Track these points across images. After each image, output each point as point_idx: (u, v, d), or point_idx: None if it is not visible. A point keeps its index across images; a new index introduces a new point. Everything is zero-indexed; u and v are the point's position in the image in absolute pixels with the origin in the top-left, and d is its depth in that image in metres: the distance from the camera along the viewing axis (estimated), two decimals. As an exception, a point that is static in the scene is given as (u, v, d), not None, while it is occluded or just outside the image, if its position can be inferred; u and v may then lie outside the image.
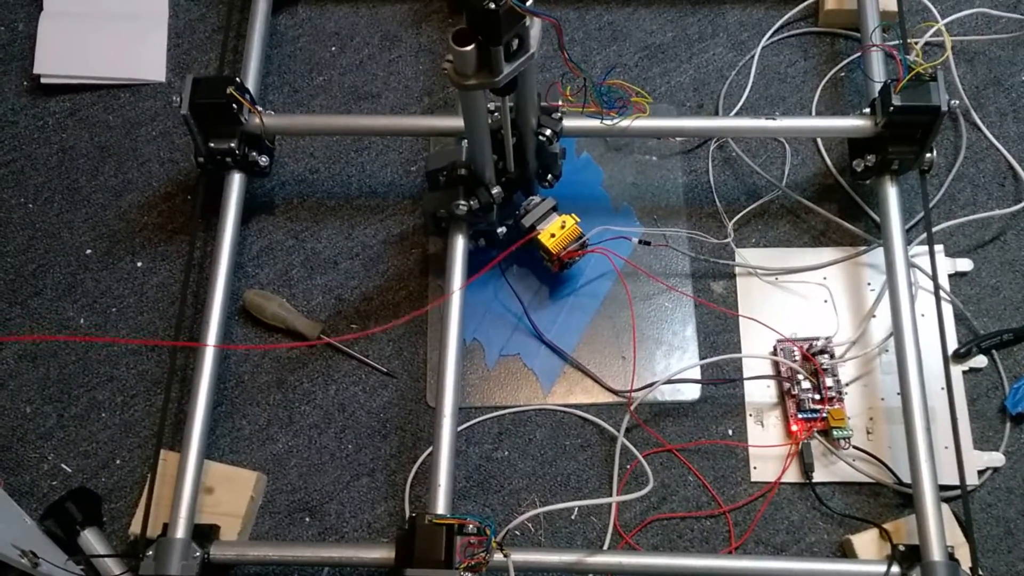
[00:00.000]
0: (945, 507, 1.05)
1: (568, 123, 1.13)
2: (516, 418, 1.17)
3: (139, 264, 1.26)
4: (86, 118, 1.35)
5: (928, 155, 1.13)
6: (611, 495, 1.12)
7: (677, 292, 1.21)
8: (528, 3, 0.83)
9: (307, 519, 1.13)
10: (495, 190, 1.11)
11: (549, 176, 1.18)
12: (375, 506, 1.13)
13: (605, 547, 1.09)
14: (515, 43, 0.87)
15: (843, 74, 1.33)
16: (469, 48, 0.85)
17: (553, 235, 1.14)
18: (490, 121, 1.04)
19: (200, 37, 1.40)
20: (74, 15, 1.39)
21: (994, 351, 1.16)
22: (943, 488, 1.05)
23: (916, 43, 1.27)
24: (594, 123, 1.14)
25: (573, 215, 1.15)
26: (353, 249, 1.26)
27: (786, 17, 1.35)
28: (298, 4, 1.41)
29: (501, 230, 1.17)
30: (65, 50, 1.37)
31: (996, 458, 1.12)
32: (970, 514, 1.04)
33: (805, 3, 1.35)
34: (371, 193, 1.29)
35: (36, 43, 1.37)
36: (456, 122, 1.16)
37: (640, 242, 1.20)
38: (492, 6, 0.81)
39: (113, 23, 1.39)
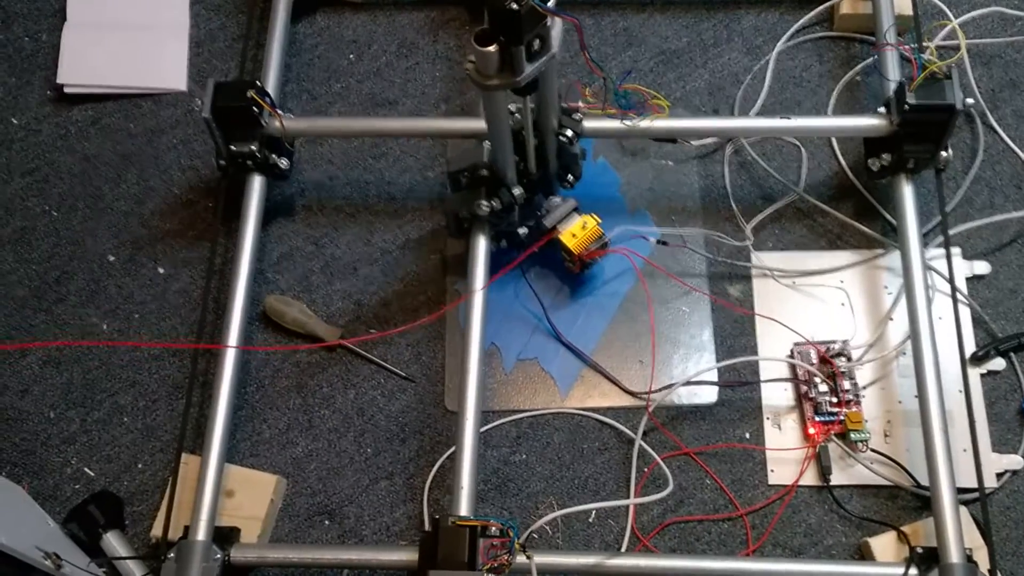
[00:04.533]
0: (963, 510, 1.04)
1: (588, 124, 1.13)
2: (534, 422, 1.17)
3: (161, 270, 1.28)
4: (108, 127, 1.37)
5: (944, 154, 1.13)
6: (629, 498, 1.12)
7: (697, 291, 1.21)
8: (549, 3, 0.84)
9: (326, 522, 1.14)
10: (517, 190, 1.12)
11: (570, 176, 1.18)
12: (394, 509, 1.14)
13: (623, 550, 1.10)
14: (536, 43, 0.88)
15: (859, 78, 1.33)
16: (491, 48, 0.86)
17: (574, 235, 1.14)
18: (511, 122, 1.05)
19: (220, 46, 1.41)
20: (97, 26, 1.41)
21: (1012, 354, 1.16)
22: (961, 491, 1.05)
23: (931, 44, 1.27)
24: (614, 124, 1.15)
25: (594, 215, 1.15)
26: (372, 255, 1.27)
27: (801, 22, 1.36)
28: (316, 13, 1.42)
29: (523, 231, 1.18)
30: (88, 60, 1.39)
31: (1015, 461, 1.11)
32: (988, 516, 1.04)
33: (820, 7, 1.35)
34: (389, 199, 1.30)
35: (60, 53, 1.39)
36: (474, 124, 1.18)
37: (658, 242, 1.21)
38: (514, 6, 0.82)
39: (135, 33, 1.41)
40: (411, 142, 1.33)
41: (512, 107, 1.05)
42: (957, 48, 1.25)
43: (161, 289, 1.26)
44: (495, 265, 1.16)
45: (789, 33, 1.35)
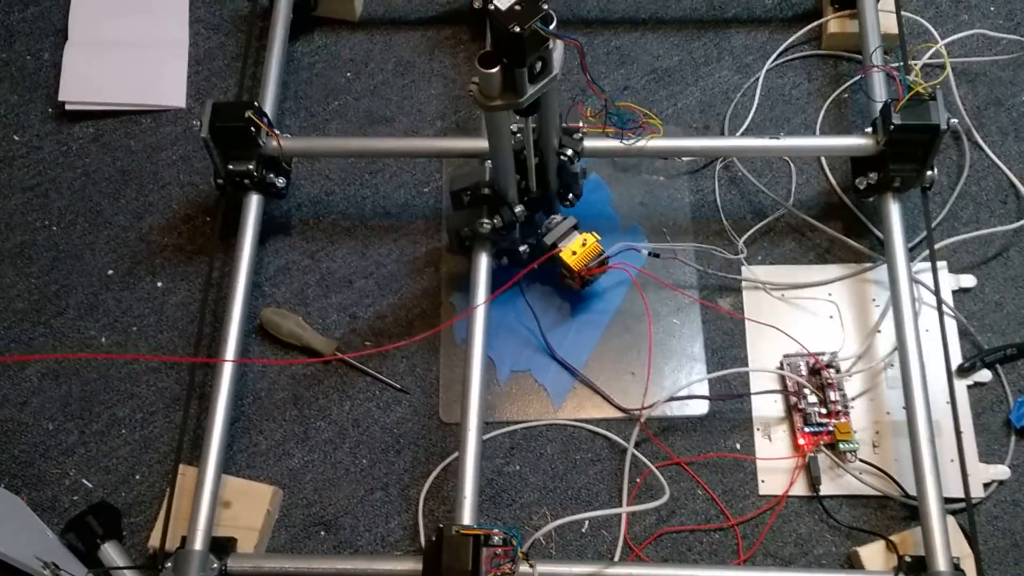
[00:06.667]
0: (951, 519, 1.05)
1: (589, 143, 1.15)
2: (527, 433, 1.19)
3: (159, 284, 1.29)
4: (109, 143, 1.39)
5: (929, 173, 1.15)
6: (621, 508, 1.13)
7: (690, 298, 1.23)
8: (551, 27, 0.87)
9: (322, 533, 1.15)
10: (518, 208, 1.13)
11: (570, 195, 1.20)
12: (389, 520, 1.15)
13: (616, 559, 1.11)
14: (538, 65, 0.91)
15: (846, 95, 1.36)
16: (495, 70, 0.88)
17: (575, 252, 1.16)
18: (513, 142, 1.07)
19: (219, 64, 1.44)
20: (98, 44, 1.43)
21: (998, 366, 1.18)
22: (949, 501, 1.06)
23: (916, 64, 1.30)
24: (614, 143, 1.17)
25: (594, 233, 1.17)
26: (367, 269, 1.29)
27: (790, 40, 1.38)
28: (314, 32, 1.45)
29: (523, 248, 1.19)
30: (89, 78, 1.41)
31: (1001, 471, 1.13)
32: (975, 525, 1.05)
33: (808, 27, 1.38)
34: (385, 214, 1.32)
35: (61, 71, 1.41)
36: (474, 144, 1.20)
37: (650, 254, 1.23)
38: (517, 29, 0.84)
39: (135, 51, 1.43)
40: (407, 159, 1.35)
41: (514, 127, 1.07)
42: (942, 67, 1.27)
43: (159, 303, 1.28)
44: (495, 281, 1.17)
45: (778, 52, 1.38)
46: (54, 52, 1.44)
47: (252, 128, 1.17)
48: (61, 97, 1.40)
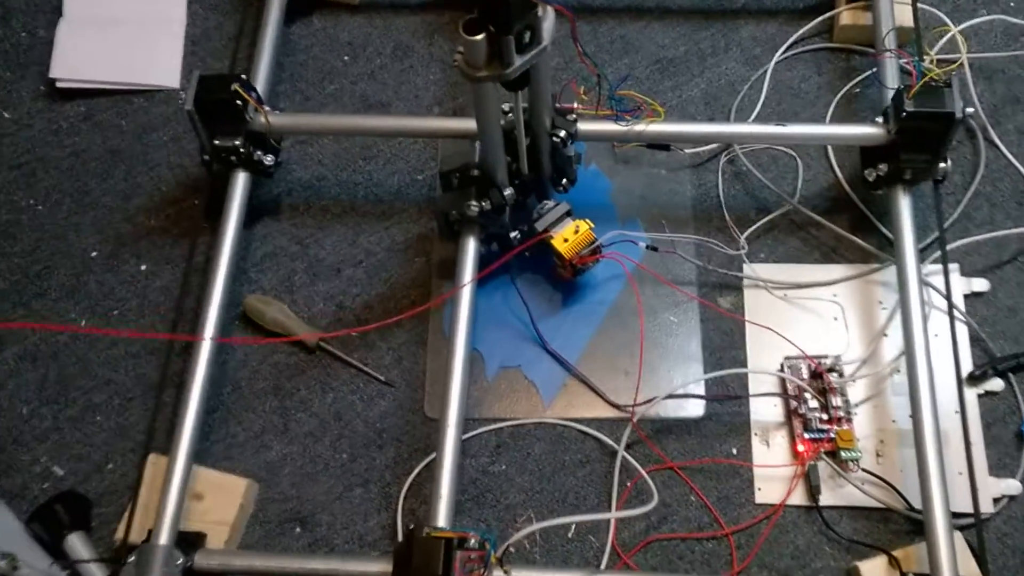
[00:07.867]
0: (958, 535, 1.01)
1: (583, 126, 1.11)
2: (515, 431, 1.14)
3: (143, 267, 1.26)
4: (100, 122, 1.36)
5: (942, 164, 1.10)
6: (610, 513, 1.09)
7: (688, 295, 1.19)
8: None
9: (297, 529, 1.11)
10: (507, 191, 1.09)
11: (564, 180, 1.16)
12: (367, 518, 1.11)
13: (602, 567, 1.06)
14: (527, 35, 0.86)
15: (857, 90, 1.31)
16: (479, 37, 0.84)
17: (566, 240, 1.12)
18: (503, 122, 1.03)
19: (215, 45, 1.41)
20: (93, 21, 1.41)
21: (1011, 374, 1.13)
22: (956, 515, 1.01)
23: (931, 53, 1.25)
24: (610, 126, 1.13)
25: (587, 220, 1.13)
26: (357, 257, 1.25)
27: (800, 32, 1.34)
28: (313, 14, 1.42)
29: (515, 234, 1.15)
30: (82, 55, 1.38)
31: (1012, 485, 1.08)
32: (984, 543, 1.01)
33: (820, 18, 1.34)
34: (377, 201, 1.28)
35: (53, 48, 1.38)
36: (466, 124, 1.15)
37: (648, 247, 1.18)
38: None
39: (130, 29, 1.40)
40: (402, 144, 1.32)
41: (505, 107, 1.03)
42: (958, 59, 1.22)
43: (142, 286, 1.25)
44: (484, 269, 1.13)
45: (787, 44, 1.34)
46: (49, 29, 1.41)
47: (239, 101, 1.13)
48: (52, 74, 1.37)
